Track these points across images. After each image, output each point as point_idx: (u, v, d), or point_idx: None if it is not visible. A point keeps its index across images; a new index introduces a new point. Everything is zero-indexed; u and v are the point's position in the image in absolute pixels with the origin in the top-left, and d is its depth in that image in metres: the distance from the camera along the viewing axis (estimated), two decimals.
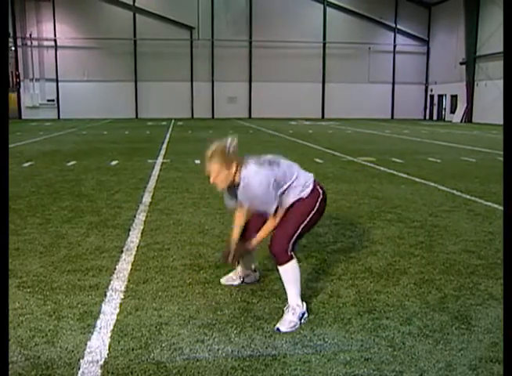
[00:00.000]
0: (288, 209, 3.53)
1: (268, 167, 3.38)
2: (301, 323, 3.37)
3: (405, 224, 6.16)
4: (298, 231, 3.48)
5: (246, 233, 3.75)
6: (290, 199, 3.50)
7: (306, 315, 3.45)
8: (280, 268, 3.48)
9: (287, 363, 2.88)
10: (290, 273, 3.47)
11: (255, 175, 3.32)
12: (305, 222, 3.50)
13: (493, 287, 4.06)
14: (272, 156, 3.56)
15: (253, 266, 4.15)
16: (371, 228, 5.97)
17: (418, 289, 4.03)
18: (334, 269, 4.48)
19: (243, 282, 4.09)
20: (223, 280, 4.13)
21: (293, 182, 3.48)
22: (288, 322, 3.34)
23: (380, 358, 2.95)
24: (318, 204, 3.54)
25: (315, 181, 3.61)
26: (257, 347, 3.07)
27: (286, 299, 3.51)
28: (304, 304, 3.49)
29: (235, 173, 3.37)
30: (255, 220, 3.70)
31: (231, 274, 4.15)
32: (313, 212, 3.52)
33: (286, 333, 3.25)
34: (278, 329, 3.28)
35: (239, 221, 3.77)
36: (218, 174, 3.35)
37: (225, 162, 3.32)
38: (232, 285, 4.06)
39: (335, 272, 4.39)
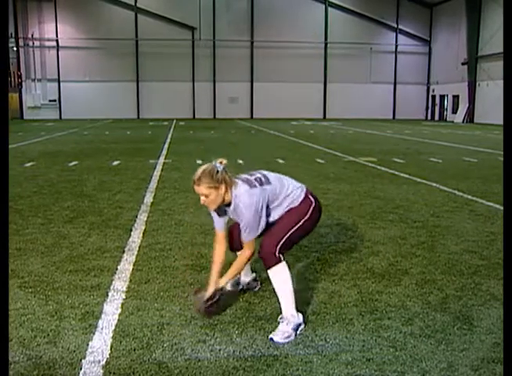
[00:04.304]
0: (278, 219, 3.47)
1: (259, 187, 3.32)
2: (296, 334, 3.22)
3: (407, 224, 6.16)
4: (287, 235, 3.38)
5: (233, 242, 3.70)
6: (281, 210, 3.45)
7: (302, 326, 3.31)
8: (269, 271, 3.35)
9: (289, 364, 2.88)
10: (278, 277, 3.34)
11: (247, 196, 3.27)
12: (295, 227, 3.41)
13: (495, 288, 4.06)
14: (261, 172, 3.50)
15: (253, 275, 4.02)
16: (373, 228, 5.97)
17: (420, 289, 4.02)
18: (336, 270, 4.48)
19: (242, 289, 3.96)
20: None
21: (285, 195, 3.44)
22: (282, 332, 3.19)
23: (381, 358, 2.95)
24: (310, 211, 3.46)
25: (307, 190, 3.56)
26: (259, 347, 3.07)
27: (281, 310, 3.36)
28: (301, 315, 3.33)
29: (225, 193, 3.30)
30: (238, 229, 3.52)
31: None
32: (304, 219, 3.44)
33: (280, 343, 3.11)
34: (271, 339, 3.16)
35: (218, 255, 3.57)
36: (208, 196, 3.28)
37: (213, 184, 3.25)
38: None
39: (337, 273, 4.39)
